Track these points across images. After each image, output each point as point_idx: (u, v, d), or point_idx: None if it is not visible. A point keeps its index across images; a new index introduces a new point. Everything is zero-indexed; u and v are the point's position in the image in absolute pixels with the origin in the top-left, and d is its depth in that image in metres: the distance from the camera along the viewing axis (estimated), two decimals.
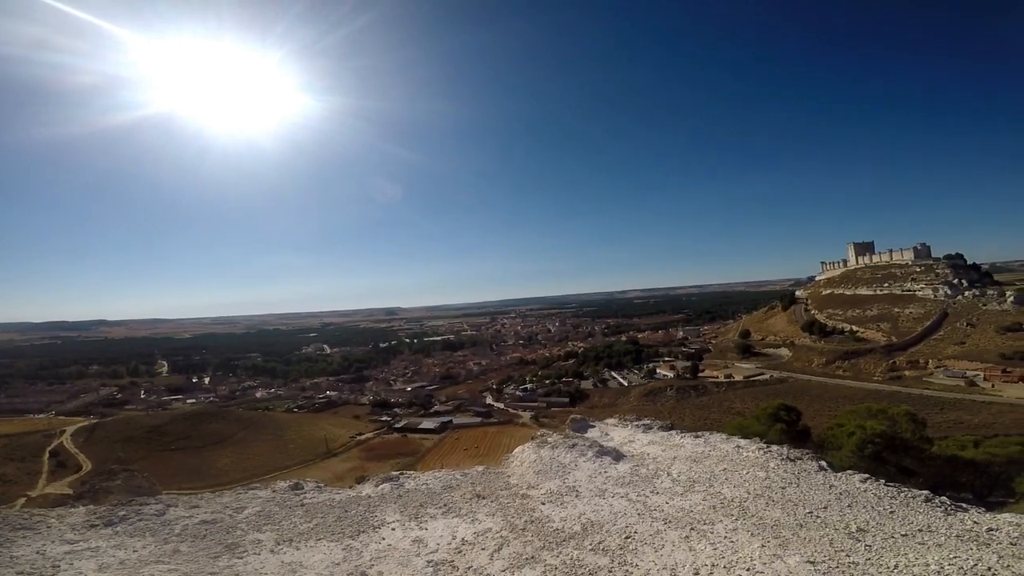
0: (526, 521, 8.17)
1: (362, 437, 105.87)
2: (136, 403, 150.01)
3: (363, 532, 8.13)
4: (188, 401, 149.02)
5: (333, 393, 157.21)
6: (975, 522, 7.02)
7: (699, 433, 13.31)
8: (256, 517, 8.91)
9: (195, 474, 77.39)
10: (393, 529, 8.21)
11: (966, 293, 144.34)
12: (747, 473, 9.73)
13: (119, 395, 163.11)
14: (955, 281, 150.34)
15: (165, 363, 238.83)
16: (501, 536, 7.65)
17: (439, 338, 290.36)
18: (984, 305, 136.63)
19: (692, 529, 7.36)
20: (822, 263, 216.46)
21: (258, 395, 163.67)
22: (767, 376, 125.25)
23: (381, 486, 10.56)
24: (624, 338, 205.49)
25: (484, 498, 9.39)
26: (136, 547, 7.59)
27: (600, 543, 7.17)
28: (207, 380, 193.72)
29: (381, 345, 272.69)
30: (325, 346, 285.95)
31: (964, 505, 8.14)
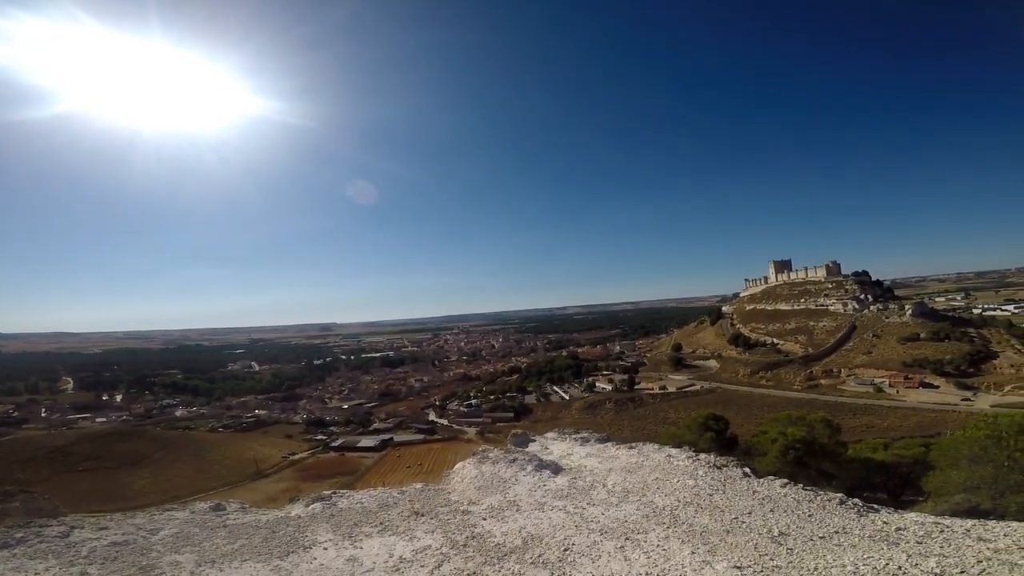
0: (467, 537, 8.06)
1: (296, 457, 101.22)
2: (36, 422, 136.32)
3: (293, 552, 7.76)
4: (98, 420, 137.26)
5: (263, 412, 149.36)
6: (885, 522, 7.53)
7: (633, 444, 13.65)
8: (173, 539, 8.32)
9: (107, 496, 71.08)
10: (325, 549, 7.88)
11: (871, 307, 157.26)
12: (677, 481, 10.04)
13: (15, 413, 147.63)
14: (862, 296, 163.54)
15: (70, 379, 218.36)
16: (441, 553, 7.51)
17: (378, 354, 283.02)
18: (887, 318, 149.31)
19: (627, 539, 7.50)
20: (746, 280, 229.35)
21: (178, 414, 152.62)
22: (698, 387, 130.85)
23: (312, 506, 10.12)
24: (565, 353, 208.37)
25: (423, 515, 9.19)
26: (38, 570, 7.02)
27: (540, 556, 7.18)
28: (119, 398, 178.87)
29: (315, 362, 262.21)
30: (253, 363, 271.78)
31: (875, 506, 8.72)
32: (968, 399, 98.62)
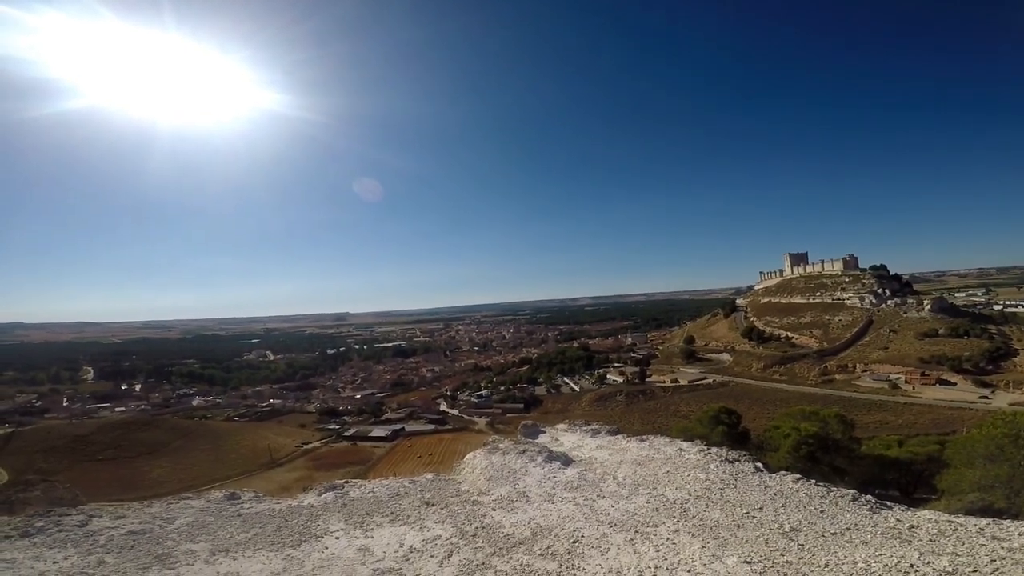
0: (477, 527, 8.11)
1: (309, 446, 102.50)
2: (58, 411, 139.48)
3: (305, 541, 7.87)
4: (117, 409, 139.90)
5: (277, 401, 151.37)
6: (898, 520, 7.44)
7: (644, 437, 13.61)
8: (189, 527, 8.48)
9: (126, 485, 72.57)
10: (337, 538, 7.98)
11: (889, 302, 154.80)
12: (688, 475, 10.01)
13: (38, 403, 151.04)
14: (879, 291, 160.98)
15: (90, 369, 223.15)
16: (451, 543, 7.57)
17: (390, 344, 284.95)
18: (905, 313, 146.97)
19: (636, 532, 7.50)
20: (760, 273, 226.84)
21: (195, 403, 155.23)
22: (710, 380, 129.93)
23: (324, 495, 10.24)
24: (576, 344, 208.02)
25: (433, 505, 9.26)
26: (57, 558, 7.16)
27: (549, 548, 7.21)
28: (138, 387, 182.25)
29: (329, 351, 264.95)
30: (268, 352, 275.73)
31: (888, 503, 8.63)
32: (986, 397, 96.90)
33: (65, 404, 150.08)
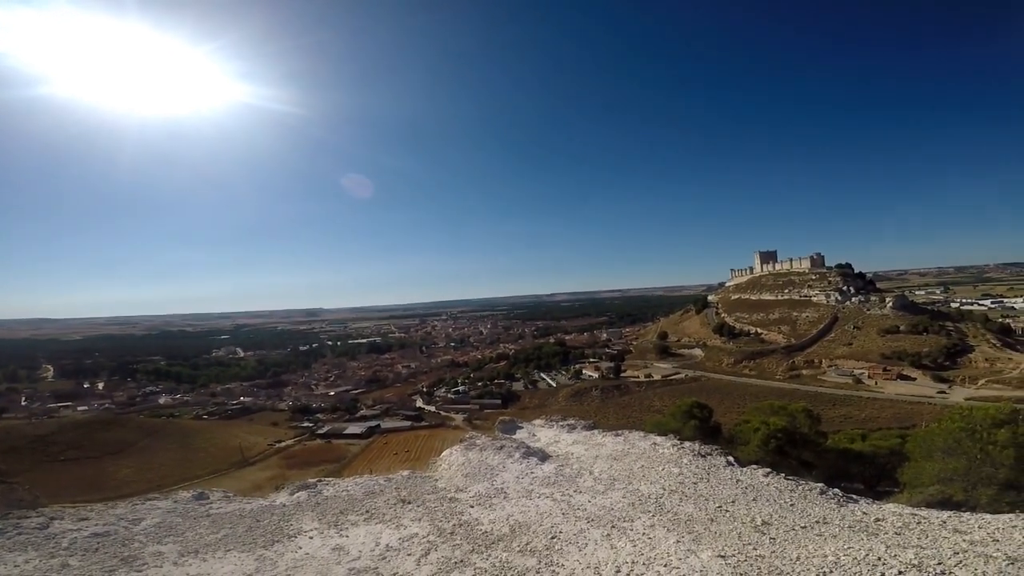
0: (454, 525, 8.08)
1: (282, 444, 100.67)
2: (16, 411, 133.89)
3: (278, 541, 7.72)
4: (79, 408, 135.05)
5: (248, 399, 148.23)
6: (864, 513, 7.68)
7: (619, 432, 13.76)
8: (156, 528, 8.24)
9: (91, 486, 70.14)
10: (311, 537, 7.85)
11: (853, 299, 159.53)
12: (663, 470, 10.15)
13: None
14: (844, 288, 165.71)
15: (50, 367, 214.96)
16: (428, 541, 7.52)
17: (365, 340, 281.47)
18: (868, 310, 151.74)
19: (613, 527, 7.57)
20: (732, 270, 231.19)
21: (161, 401, 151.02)
22: (683, 375, 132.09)
23: (297, 494, 10.06)
24: (552, 340, 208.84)
25: (410, 503, 9.18)
26: (18, 562, 6.95)
27: (528, 544, 7.22)
28: (101, 386, 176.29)
29: (301, 348, 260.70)
30: (238, 349, 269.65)
31: (854, 496, 8.90)
32: (943, 392, 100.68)
33: (24, 403, 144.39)
